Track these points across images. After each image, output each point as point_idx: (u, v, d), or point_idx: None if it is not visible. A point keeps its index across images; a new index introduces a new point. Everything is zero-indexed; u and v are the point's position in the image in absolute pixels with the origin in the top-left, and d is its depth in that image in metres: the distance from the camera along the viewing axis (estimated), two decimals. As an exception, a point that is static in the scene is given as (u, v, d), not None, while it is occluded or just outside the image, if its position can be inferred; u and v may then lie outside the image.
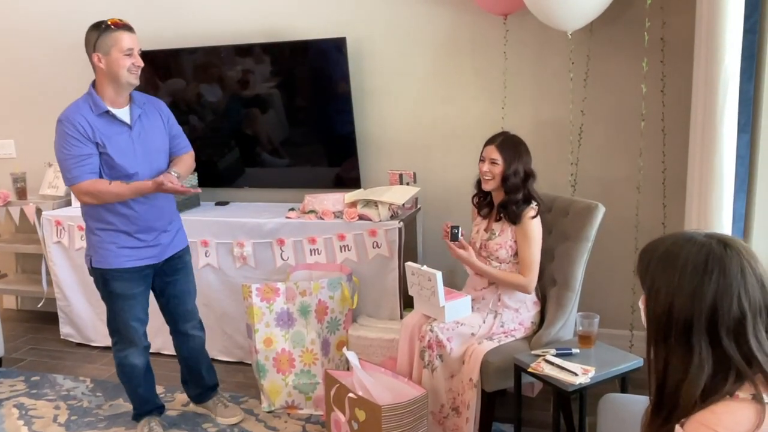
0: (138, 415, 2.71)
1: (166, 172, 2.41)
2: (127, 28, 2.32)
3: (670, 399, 1.10)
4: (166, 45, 3.58)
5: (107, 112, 2.34)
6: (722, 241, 1.12)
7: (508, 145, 2.46)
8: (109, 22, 2.30)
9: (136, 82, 2.35)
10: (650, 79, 2.88)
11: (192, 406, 2.92)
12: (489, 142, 2.49)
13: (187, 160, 2.59)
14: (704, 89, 2.39)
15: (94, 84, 2.36)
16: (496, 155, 2.44)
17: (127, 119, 2.39)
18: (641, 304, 1.20)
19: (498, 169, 2.44)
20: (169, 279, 2.61)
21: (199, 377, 2.82)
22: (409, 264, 2.53)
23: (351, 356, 2.43)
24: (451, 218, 3.34)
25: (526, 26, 3.08)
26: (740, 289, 1.08)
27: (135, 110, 2.41)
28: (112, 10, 3.69)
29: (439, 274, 2.38)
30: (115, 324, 2.54)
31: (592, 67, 3.02)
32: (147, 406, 2.71)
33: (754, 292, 1.09)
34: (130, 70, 2.31)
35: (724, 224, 2.33)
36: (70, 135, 2.29)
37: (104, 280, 2.47)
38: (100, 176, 2.34)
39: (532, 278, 2.42)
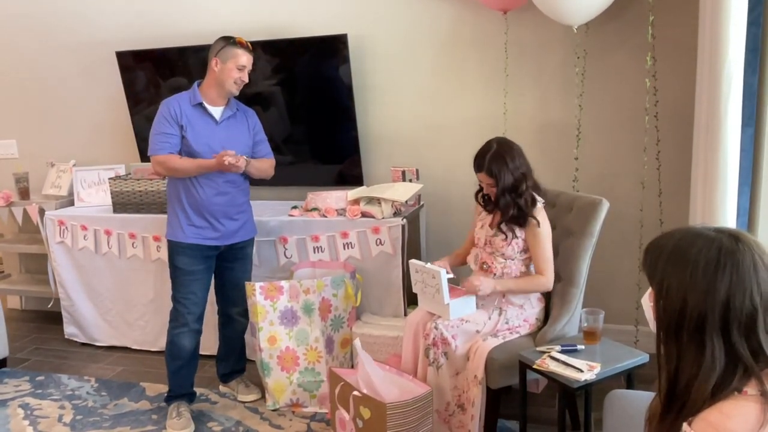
0: (170, 398, 2.83)
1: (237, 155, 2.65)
2: (249, 49, 2.68)
3: (680, 396, 1.09)
4: (167, 43, 3.58)
5: (200, 104, 2.67)
6: (733, 236, 1.11)
7: (495, 163, 2.39)
8: (236, 39, 2.65)
9: (236, 93, 2.71)
10: (652, 74, 2.86)
11: (197, 404, 2.92)
12: (477, 167, 2.45)
13: (265, 162, 2.85)
14: (708, 83, 2.37)
15: (199, 83, 2.71)
16: (489, 180, 2.42)
17: (217, 115, 2.71)
18: (648, 301, 1.19)
19: (494, 189, 2.44)
20: (228, 265, 2.86)
21: (232, 358, 3.03)
22: (413, 261, 2.53)
23: (359, 347, 2.40)
24: (454, 215, 3.35)
25: (526, 22, 3.07)
26: (753, 283, 1.07)
27: (227, 111, 2.73)
28: (114, 11, 3.72)
29: (443, 272, 2.38)
30: (175, 299, 2.77)
31: (591, 63, 3.00)
32: (182, 389, 2.83)
33: (766, 286, 1.08)
34: (236, 82, 2.65)
35: (728, 218, 2.31)
36: (162, 115, 2.65)
37: (171, 252, 2.75)
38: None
39: (551, 275, 2.41)
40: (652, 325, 1.18)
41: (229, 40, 2.64)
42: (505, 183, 2.38)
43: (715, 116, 2.29)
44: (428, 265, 2.44)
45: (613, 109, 3.05)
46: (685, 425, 1.07)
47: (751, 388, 1.05)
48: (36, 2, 3.87)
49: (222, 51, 2.62)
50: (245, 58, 2.64)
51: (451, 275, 2.45)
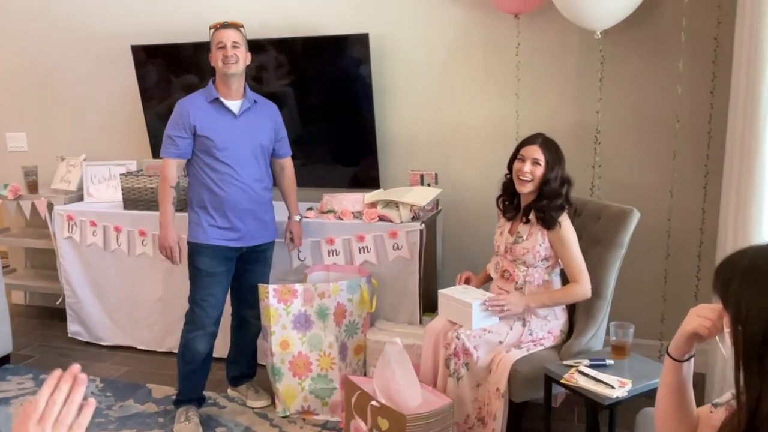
0: (179, 402, 2.76)
1: (290, 220, 2.91)
2: (224, 25, 2.61)
3: (762, 425, 1.01)
4: (182, 39, 3.51)
5: (216, 99, 2.62)
6: None
7: (551, 146, 2.35)
8: (212, 25, 2.63)
9: (231, 71, 2.58)
10: (687, 79, 2.78)
11: (205, 408, 2.84)
12: (529, 142, 2.37)
13: (292, 183, 2.91)
14: (745, 88, 2.30)
15: (213, 80, 2.68)
16: (540, 155, 2.32)
17: (234, 109, 2.64)
18: (726, 328, 1.09)
19: (540, 171, 2.33)
20: (248, 267, 2.80)
21: (244, 362, 2.96)
22: (442, 292, 2.45)
23: (399, 346, 2.30)
24: (471, 220, 3.27)
25: (539, 26, 3.00)
26: None
27: (245, 104, 2.67)
28: (130, 4, 3.65)
29: (476, 304, 2.30)
30: (192, 301, 2.70)
31: (610, 69, 2.92)
32: (192, 393, 2.76)
33: None
34: (224, 61, 2.57)
35: (764, 231, 2.24)
36: (173, 117, 2.63)
37: (192, 254, 2.68)
38: (192, 160, 2.64)
39: (587, 281, 2.32)
40: (727, 351, 1.09)
41: (210, 30, 2.63)
42: (559, 172, 2.33)
43: (753, 124, 2.21)
44: (458, 295, 2.37)
45: (637, 115, 2.96)
46: None
47: None
48: (50, -6, 3.82)
49: (210, 43, 2.63)
50: (220, 34, 2.57)
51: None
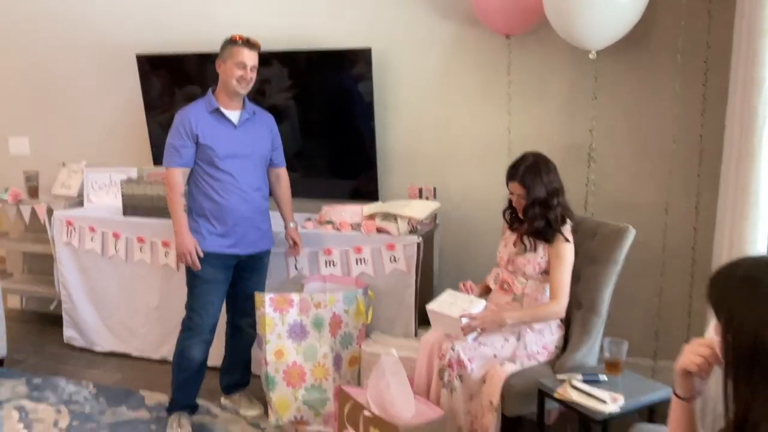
0: (172, 408, 2.77)
1: (288, 228, 2.91)
2: (248, 44, 2.60)
3: None
4: (187, 49, 3.55)
5: (217, 109, 2.63)
6: None
7: (529, 174, 2.38)
8: (235, 37, 2.61)
9: (242, 92, 2.63)
10: (684, 99, 2.82)
11: (198, 417, 2.83)
12: (511, 175, 2.43)
13: (287, 192, 2.91)
14: (740, 109, 2.32)
15: (213, 89, 2.68)
16: (521, 190, 2.39)
17: (234, 119, 2.67)
18: (714, 335, 1.10)
19: (524, 202, 2.41)
20: (245, 275, 2.80)
21: (237, 370, 2.95)
22: (430, 308, 2.45)
23: (395, 357, 2.30)
24: (468, 235, 3.29)
25: (531, 46, 3.04)
26: None
27: (244, 115, 2.70)
28: (135, 14, 3.70)
29: (464, 321, 2.31)
30: (190, 308, 2.70)
31: (604, 88, 2.94)
32: (185, 400, 2.77)
33: None
34: (239, 80, 2.58)
35: (759, 249, 2.25)
36: (175, 126, 2.63)
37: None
38: (193, 169, 2.64)
39: (563, 302, 2.34)
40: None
41: (229, 40, 2.61)
42: (537, 194, 2.36)
43: (749, 144, 2.23)
44: (445, 310, 2.38)
45: (632, 134, 2.98)
46: None
47: None
48: (55, 2, 3.85)
49: (223, 51, 2.61)
50: (244, 54, 2.57)
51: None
